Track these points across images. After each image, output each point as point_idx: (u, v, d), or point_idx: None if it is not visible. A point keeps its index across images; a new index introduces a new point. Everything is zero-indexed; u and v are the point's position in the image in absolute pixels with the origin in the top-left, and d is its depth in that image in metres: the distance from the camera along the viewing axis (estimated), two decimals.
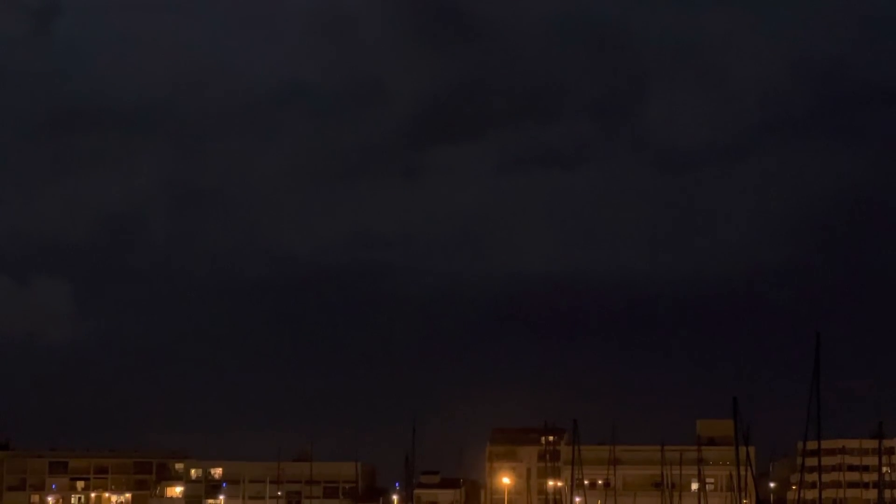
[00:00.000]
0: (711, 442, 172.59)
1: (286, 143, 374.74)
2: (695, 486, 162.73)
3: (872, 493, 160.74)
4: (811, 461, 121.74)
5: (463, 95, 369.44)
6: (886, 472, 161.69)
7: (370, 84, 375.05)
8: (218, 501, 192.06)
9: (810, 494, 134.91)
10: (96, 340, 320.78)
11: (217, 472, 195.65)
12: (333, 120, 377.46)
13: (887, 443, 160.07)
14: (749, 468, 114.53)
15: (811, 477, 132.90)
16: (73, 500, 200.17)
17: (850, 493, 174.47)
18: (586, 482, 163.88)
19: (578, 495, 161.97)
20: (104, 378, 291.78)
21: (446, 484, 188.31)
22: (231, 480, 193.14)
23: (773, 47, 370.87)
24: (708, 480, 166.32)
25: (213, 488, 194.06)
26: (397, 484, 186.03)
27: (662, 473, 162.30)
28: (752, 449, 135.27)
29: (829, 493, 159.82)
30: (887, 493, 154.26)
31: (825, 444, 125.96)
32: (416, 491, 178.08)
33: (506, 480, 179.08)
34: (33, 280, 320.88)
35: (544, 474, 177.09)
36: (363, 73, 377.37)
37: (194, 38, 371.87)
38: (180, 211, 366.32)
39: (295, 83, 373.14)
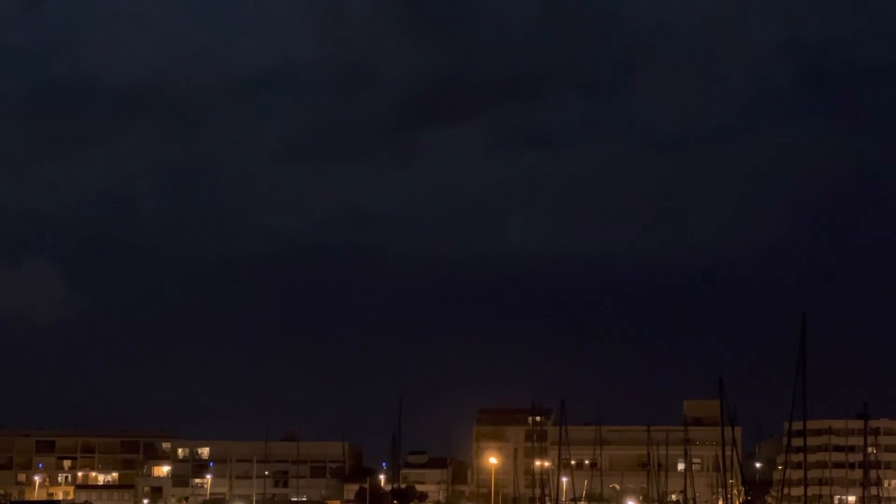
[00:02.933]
0: (698, 422, 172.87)
1: (277, 124, 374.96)
2: (681, 466, 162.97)
3: (858, 474, 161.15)
4: (797, 441, 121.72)
5: (452, 77, 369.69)
6: (872, 452, 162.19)
7: (361, 66, 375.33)
8: (205, 481, 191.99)
9: (796, 475, 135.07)
10: (86, 320, 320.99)
11: (204, 451, 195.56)
12: (324, 101, 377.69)
13: (873, 423, 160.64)
14: (735, 448, 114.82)
15: (797, 457, 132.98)
16: (59, 479, 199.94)
17: (836, 473, 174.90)
18: (573, 462, 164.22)
19: (565, 475, 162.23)
20: (93, 358, 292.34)
21: (433, 464, 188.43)
22: (218, 460, 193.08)
23: (761, 28, 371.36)
24: (694, 461, 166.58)
25: (200, 468, 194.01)
26: (384, 464, 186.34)
27: (649, 454, 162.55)
28: (738, 429, 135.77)
29: (814, 474, 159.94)
30: (873, 474, 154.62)
31: (811, 425, 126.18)
32: (403, 471, 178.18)
33: (493, 460, 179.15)
34: (23, 260, 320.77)
35: (531, 454, 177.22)
36: (354, 55, 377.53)
37: (186, 17, 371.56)
38: (170, 191, 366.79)
39: (286, 64, 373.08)
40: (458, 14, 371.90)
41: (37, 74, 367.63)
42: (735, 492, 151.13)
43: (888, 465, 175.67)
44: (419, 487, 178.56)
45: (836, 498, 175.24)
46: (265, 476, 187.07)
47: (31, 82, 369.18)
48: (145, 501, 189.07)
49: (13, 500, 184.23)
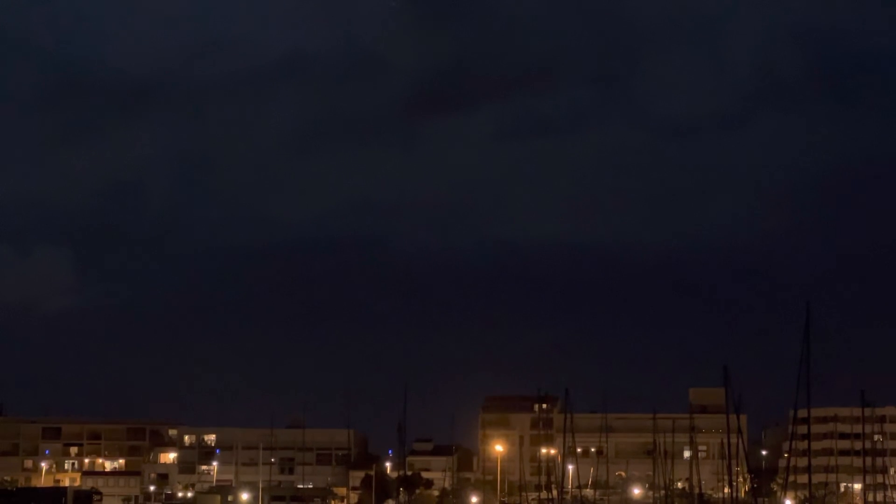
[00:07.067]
0: (703, 410, 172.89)
1: (285, 113, 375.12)
2: (687, 453, 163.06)
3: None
4: (802, 429, 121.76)
5: (460, 66, 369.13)
6: (878, 440, 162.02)
7: (370, 55, 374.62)
8: (211, 468, 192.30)
9: (801, 462, 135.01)
10: (93, 308, 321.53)
11: (210, 438, 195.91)
12: (332, 90, 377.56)
13: (878, 411, 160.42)
14: (740, 436, 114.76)
15: (802, 445, 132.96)
16: (66, 465, 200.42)
17: (842, 460, 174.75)
18: (579, 450, 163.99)
19: (571, 463, 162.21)
20: (100, 345, 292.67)
21: (439, 451, 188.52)
22: (224, 447, 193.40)
23: (769, 15, 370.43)
24: (700, 448, 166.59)
25: (207, 454, 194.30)
26: (390, 451, 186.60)
27: (654, 441, 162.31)
28: (743, 417, 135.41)
29: (819, 461, 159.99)
30: (878, 461, 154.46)
31: (817, 413, 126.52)
32: (409, 458, 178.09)
33: (498, 448, 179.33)
34: (33, 249, 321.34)
35: (537, 442, 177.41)
36: (362, 44, 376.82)
37: (196, 7, 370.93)
38: (180, 180, 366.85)
39: (295, 54, 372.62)
40: (465, 3, 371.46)
41: (47, 64, 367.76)
42: (741, 479, 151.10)
43: (894, 453, 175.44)
44: (425, 475, 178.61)
45: (842, 485, 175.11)
46: (271, 463, 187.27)
47: (42, 72, 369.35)
48: (151, 488, 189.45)
49: (20, 486, 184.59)
